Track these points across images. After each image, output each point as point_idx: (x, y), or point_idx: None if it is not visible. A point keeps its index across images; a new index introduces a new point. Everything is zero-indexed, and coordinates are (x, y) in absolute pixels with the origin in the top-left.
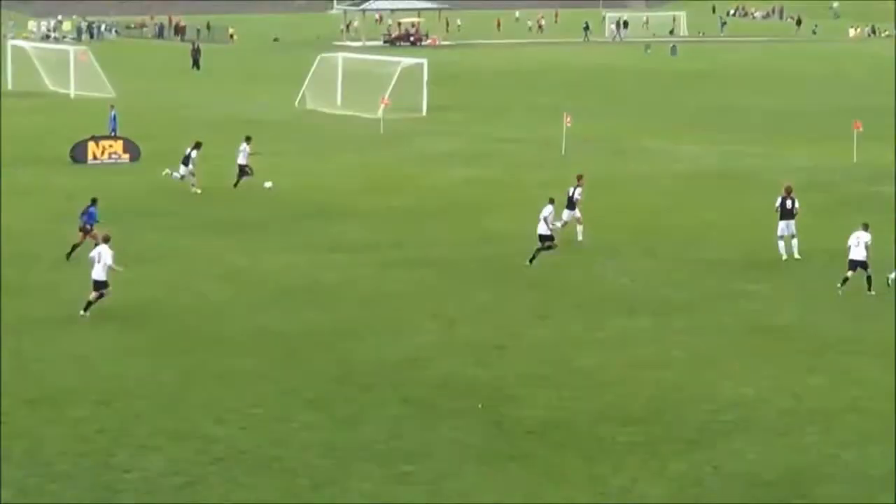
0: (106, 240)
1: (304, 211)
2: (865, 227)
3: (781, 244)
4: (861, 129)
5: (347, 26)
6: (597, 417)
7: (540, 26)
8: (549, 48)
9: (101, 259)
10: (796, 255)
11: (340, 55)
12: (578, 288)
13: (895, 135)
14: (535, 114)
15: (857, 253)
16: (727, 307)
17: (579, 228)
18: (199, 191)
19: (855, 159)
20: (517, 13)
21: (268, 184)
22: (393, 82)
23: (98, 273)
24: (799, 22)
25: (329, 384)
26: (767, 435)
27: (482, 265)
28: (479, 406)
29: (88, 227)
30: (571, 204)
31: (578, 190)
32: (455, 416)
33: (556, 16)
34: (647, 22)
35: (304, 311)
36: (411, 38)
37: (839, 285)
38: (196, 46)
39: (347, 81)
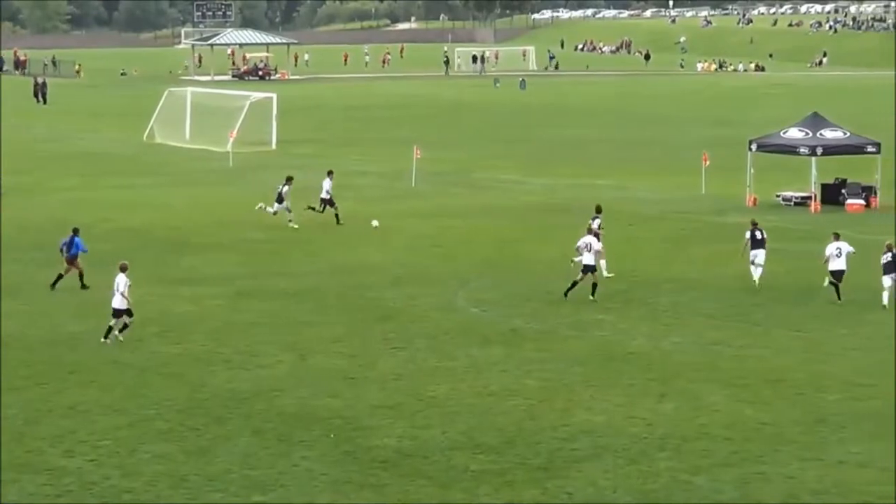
0: (123, 269)
1: (155, 244)
2: (838, 237)
3: (753, 269)
4: (708, 162)
5: (199, 60)
6: (450, 446)
7: (385, 61)
8: (398, 82)
9: (118, 287)
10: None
11: (189, 89)
12: (430, 318)
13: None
14: (384, 147)
15: (839, 263)
16: (579, 336)
17: (602, 263)
18: (296, 226)
19: (703, 190)
20: (366, 48)
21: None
22: (242, 116)
23: (117, 302)
24: (647, 56)
25: (180, 415)
26: (619, 462)
27: (334, 296)
28: (332, 436)
29: (71, 256)
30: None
31: (597, 221)
32: (308, 446)
33: (402, 51)
34: (497, 56)
35: (155, 343)
36: (260, 73)
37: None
38: (42, 81)
39: (196, 115)
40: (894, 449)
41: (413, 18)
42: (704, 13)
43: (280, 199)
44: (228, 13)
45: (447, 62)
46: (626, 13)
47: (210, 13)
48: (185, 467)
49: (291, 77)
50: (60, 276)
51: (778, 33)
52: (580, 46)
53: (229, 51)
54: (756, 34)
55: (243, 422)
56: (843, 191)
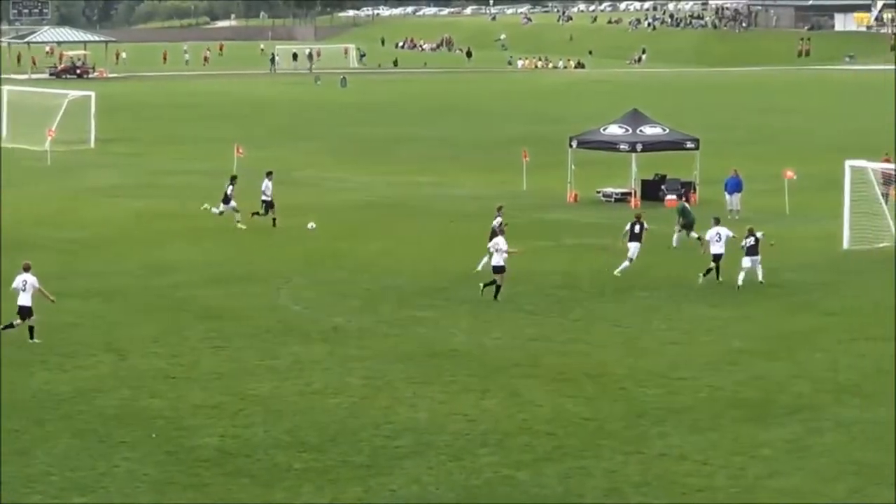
0: (27, 268)
1: None
2: (718, 222)
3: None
4: (528, 159)
5: (18, 58)
6: (272, 445)
7: (206, 59)
8: (219, 80)
9: (28, 286)
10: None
11: (6, 88)
12: (252, 317)
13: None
14: (205, 145)
15: (718, 248)
16: (400, 333)
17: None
18: (243, 226)
19: (524, 187)
20: (185, 46)
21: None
22: (60, 114)
23: (23, 300)
24: (469, 54)
25: None
26: (442, 458)
27: (153, 296)
28: (154, 436)
29: None
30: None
31: (499, 220)
32: (129, 446)
33: (221, 48)
34: (318, 54)
35: None
36: (78, 71)
37: (701, 275)
38: None
39: (13, 114)
40: (710, 442)
41: (233, 16)
42: (524, 10)
43: (226, 200)
44: (45, 11)
45: (273, 60)
46: (446, 10)
47: (26, 11)
48: (3, 469)
49: (110, 75)
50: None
51: (597, 30)
52: (401, 44)
53: (48, 48)
54: (576, 31)
55: (63, 423)
56: (663, 187)
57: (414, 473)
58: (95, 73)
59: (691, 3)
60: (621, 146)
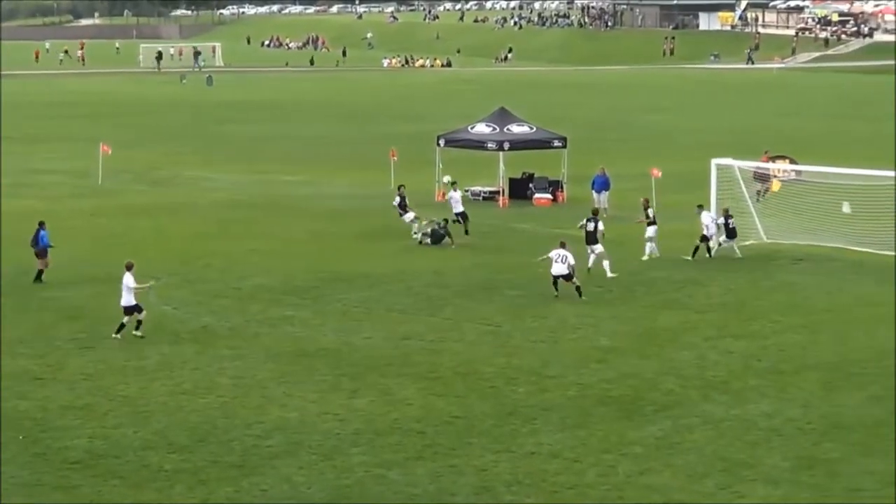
0: (129, 267)
1: None
2: (564, 245)
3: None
4: (396, 158)
5: None
6: (142, 445)
7: (82, 58)
8: (86, 79)
9: (125, 285)
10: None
11: None
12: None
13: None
14: (69, 144)
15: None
16: (270, 332)
17: (606, 264)
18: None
19: (392, 186)
20: (47, 44)
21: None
22: None
23: (126, 300)
24: (344, 52)
25: None
26: (313, 458)
27: (19, 296)
28: (21, 438)
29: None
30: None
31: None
32: None
33: (82, 46)
34: (181, 53)
35: None
36: None
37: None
38: None
39: None
40: (580, 440)
41: (96, 14)
42: (391, 9)
43: (404, 207)
44: None
45: (160, 57)
46: (312, 9)
47: None
48: None
49: None
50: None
51: (464, 29)
52: (267, 42)
53: None
54: (442, 30)
55: None
56: (531, 185)
57: (285, 473)
58: None
59: (557, 2)
60: (489, 145)
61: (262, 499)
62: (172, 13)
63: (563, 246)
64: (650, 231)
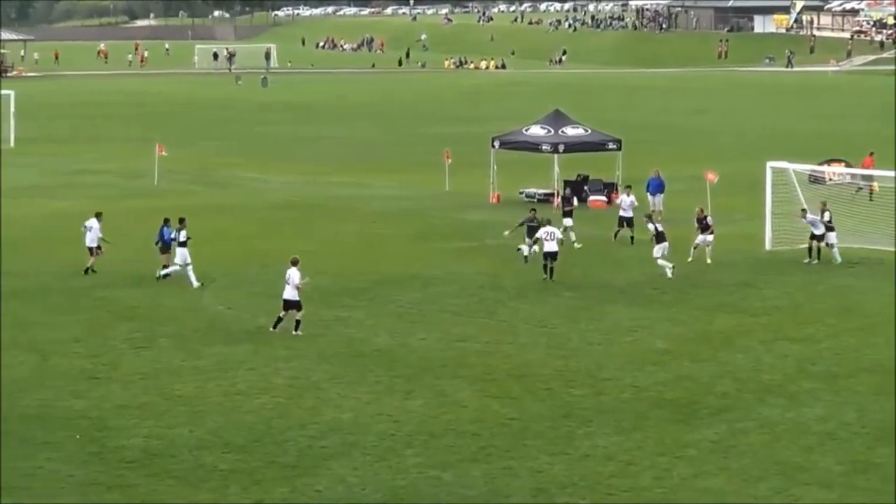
0: (295, 262)
1: None
2: (549, 222)
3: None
4: (451, 159)
5: None
6: (198, 445)
7: (142, 59)
8: (142, 79)
9: (291, 280)
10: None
11: None
12: (176, 317)
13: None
14: (126, 145)
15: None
16: (325, 333)
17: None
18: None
19: (447, 188)
20: (101, 45)
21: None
22: None
23: (289, 293)
24: (408, 54)
25: None
26: (368, 458)
27: (73, 296)
28: (77, 437)
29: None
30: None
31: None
32: (53, 447)
33: (136, 48)
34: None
35: None
36: None
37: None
38: None
39: None
40: (635, 442)
41: (152, 15)
42: (445, 11)
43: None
44: None
45: (230, 57)
46: (366, 10)
47: None
48: None
49: (28, 74)
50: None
51: (518, 31)
52: (321, 44)
53: None
54: (496, 32)
55: None
56: (586, 187)
57: (340, 474)
58: (14, 72)
59: (611, 4)
60: (543, 147)
61: (317, 499)
62: (216, 13)
63: (549, 223)
64: (707, 238)
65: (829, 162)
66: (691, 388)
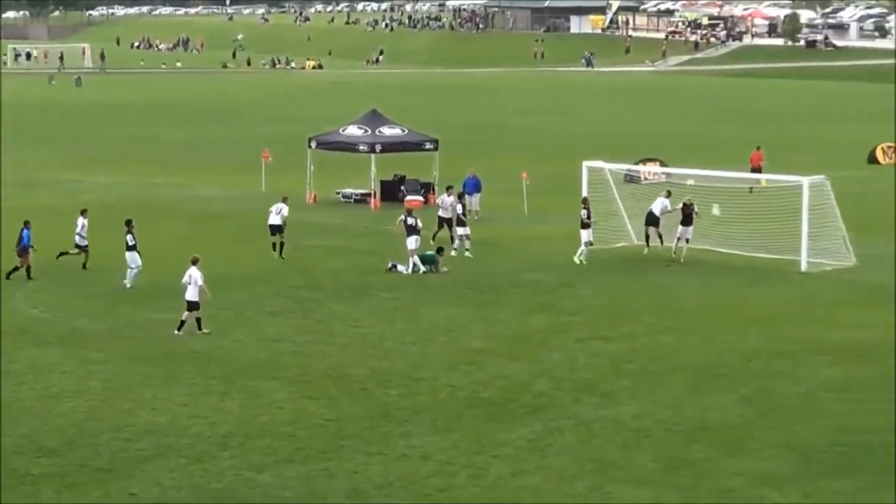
0: (195, 261)
1: None
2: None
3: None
4: (269, 159)
5: None
6: (11, 450)
7: None
8: None
9: (193, 280)
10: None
11: None
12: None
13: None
14: None
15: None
16: (139, 336)
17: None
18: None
19: (263, 188)
20: None
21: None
22: None
23: (191, 294)
24: (234, 54)
25: None
26: (183, 461)
27: None
28: None
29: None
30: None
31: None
32: None
33: None
34: (45, 55)
35: None
36: None
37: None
38: None
39: None
40: (452, 442)
41: None
42: (261, 11)
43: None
44: None
45: (61, 59)
46: (182, 10)
47: None
48: None
49: None
50: (16, 269)
51: (335, 31)
52: (136, 44)
53: None
54: (313, 32)
55: None
56: (403, 187)
57: (154, 476)
58: None
59: (428, 4)
60: (360, 147)
61: (131, 501)
62: (23, 12)
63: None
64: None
65: (644, 161)
66: (507, 387)
